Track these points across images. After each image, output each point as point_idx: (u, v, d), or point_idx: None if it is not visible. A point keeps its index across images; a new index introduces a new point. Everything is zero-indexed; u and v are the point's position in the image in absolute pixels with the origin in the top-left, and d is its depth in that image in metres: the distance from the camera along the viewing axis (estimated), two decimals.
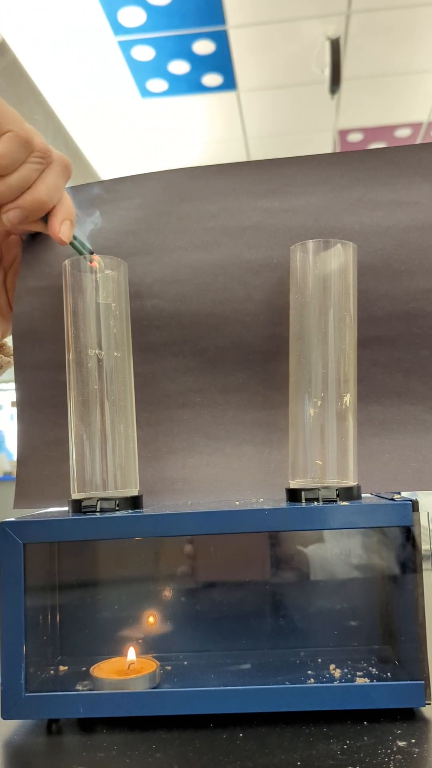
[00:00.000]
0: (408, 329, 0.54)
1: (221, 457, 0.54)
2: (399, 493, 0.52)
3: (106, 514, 0.47)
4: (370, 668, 0.49)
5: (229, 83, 3.53)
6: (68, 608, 0.54)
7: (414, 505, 0.45)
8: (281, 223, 0.56)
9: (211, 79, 3.48)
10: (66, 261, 0.51)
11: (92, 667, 0.49)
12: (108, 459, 0.50)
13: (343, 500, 0.47)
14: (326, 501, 0.47)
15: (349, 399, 0.50)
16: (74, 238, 0.53)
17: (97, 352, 0.53)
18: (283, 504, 0.48)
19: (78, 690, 0.47)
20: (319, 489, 0.47)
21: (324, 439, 0.50)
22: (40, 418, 0.56)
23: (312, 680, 0.47)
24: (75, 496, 0.50)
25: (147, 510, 0.49)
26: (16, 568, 0.45)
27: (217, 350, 0.55)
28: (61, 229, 0.49)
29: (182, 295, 0.55)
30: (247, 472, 0.54)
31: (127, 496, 0.49)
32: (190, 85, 3.53)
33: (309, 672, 0.49)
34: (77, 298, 0.52)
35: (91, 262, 0.51)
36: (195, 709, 0.44)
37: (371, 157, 0.56)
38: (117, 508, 0.48)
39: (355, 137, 4.20)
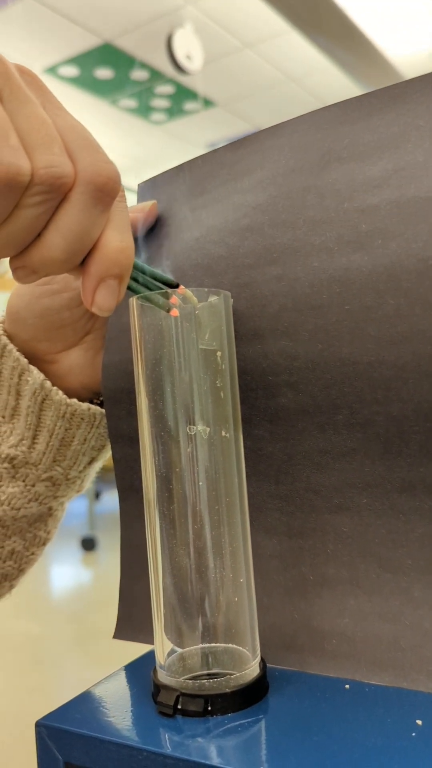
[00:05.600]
0: None
1: (405, 603, 0.32)
2: None
3: (185, 738, 0.28)
4: None
5: None
6: None
7: None
8: None
9: None
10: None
11: None
12: (205, 611, 0.31)
13: None
14: None
15: None
16: (139, 274, 0.33)
17: (200, 429, 0.34)
18: None
19: None
20: None
21: None
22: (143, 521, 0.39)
23: None
24: (160, 675, 0.32)
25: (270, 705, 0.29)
26: None
27: (390, 421, 0.32)
28: (96, 297, 0.29)
29: (325, 331, 0.33)
30: None
31: (234, 688, 0.30)
32: None
33: None
34: (159, 345, 0.32)
35: (171, 305, 0.31)
36: None
37: None
38: (210, 710, 0.29)
39: None
